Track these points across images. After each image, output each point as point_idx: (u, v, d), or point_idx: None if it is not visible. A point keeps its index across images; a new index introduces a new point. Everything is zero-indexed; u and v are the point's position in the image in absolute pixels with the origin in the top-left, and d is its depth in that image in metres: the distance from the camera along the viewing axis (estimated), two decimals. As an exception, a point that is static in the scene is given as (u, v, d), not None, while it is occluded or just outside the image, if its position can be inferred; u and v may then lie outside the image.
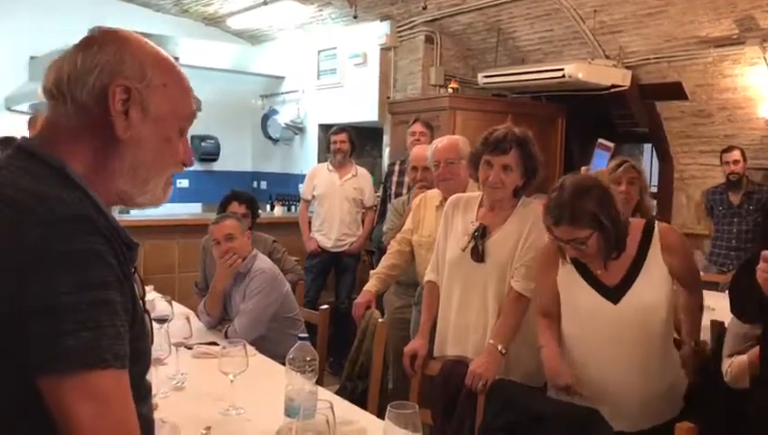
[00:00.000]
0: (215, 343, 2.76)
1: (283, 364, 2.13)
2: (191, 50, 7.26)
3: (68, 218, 0.92)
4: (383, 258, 3.41)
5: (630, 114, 6.03)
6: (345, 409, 2.07)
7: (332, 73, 7.29)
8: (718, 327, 2.98)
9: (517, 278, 2.51)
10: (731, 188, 5.10)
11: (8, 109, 7.00)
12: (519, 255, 2.53)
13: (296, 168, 7.94)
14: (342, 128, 5.45)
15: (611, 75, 5.41)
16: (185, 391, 2.28)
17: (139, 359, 1.02)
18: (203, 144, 8.28)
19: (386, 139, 6.62)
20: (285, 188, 7.74)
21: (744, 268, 2.20)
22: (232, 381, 2.08)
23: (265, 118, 8.24)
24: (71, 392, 0.88)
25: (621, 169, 3.28)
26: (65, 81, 1.03)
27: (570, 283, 2.32)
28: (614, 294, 2.23)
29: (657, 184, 6.44)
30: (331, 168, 5.39)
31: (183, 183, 8.34)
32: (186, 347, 2.54)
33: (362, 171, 5.43)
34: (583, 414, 2.06)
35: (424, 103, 5.98)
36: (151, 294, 3.69)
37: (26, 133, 3.82)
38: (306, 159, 7.75)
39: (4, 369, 0.90)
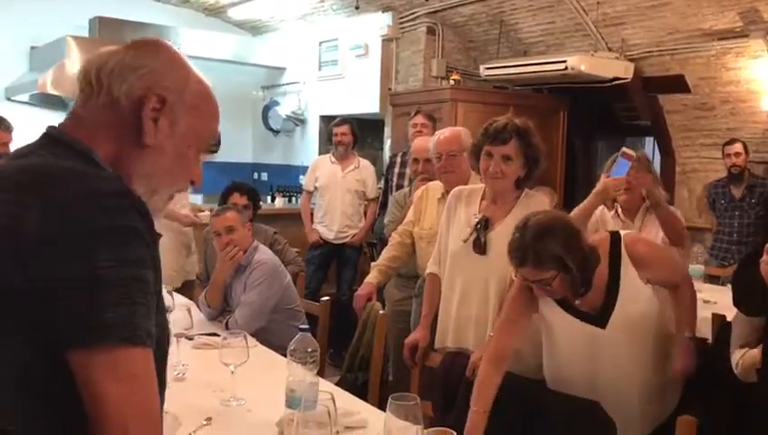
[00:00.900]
0: (215, 334, 2.76)
1: (284, 356, 2.13)
2: (192, 40, 7.24)
3: (111, 193, 0.94)
4: (384, 250, 3.40)
5: (633, 107, 6.02)
6: (346, 400, 2.07)
7: (334, 65, 7.28)
8: (719, 321, 2.98)
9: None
10: (733, 182, 5.09)
11: (8, 99, 6.98)
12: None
13: (297, 159, 7.93)
14: (344, 120, 5.44)
15: (614, 68, 5.39)
16: (185, 382, 2.28)
17: (157, 347, 1.01)
18: (203, 135, 8.27)
19: (387, 131, 6.61)
20: (286, 179, 7.73)
21: (747, 261, 2.19)
22: (233, 372, 2.08)
23: (266, 109, 8.22)
24: (101, 368, 0.88)
25: (611, 160, 3.10)
26: (108, 71, 1.05)
27: (552, 315, 2.26)
28: (599, 319, 2.17)
29: (659, 177, 6.42)
30: (333, 159, 5.38)
31: (183, 174, 8.34)
32: (187, 338, 2.54)
33: (365, 163, 5.42)
34: (585, 407, 2.05)
35: (425, 95, 5.96)
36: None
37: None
38: (307, 150, 7.74)
39: (29, 346, 0.89)
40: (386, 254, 3.34)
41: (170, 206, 4.34)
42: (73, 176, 0.95)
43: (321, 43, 7.43)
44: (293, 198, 6.85)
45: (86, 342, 0.88)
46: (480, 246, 2.56)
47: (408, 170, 4.36)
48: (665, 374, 2.28)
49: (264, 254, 3.20)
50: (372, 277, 3.28)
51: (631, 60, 5.45)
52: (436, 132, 3.40)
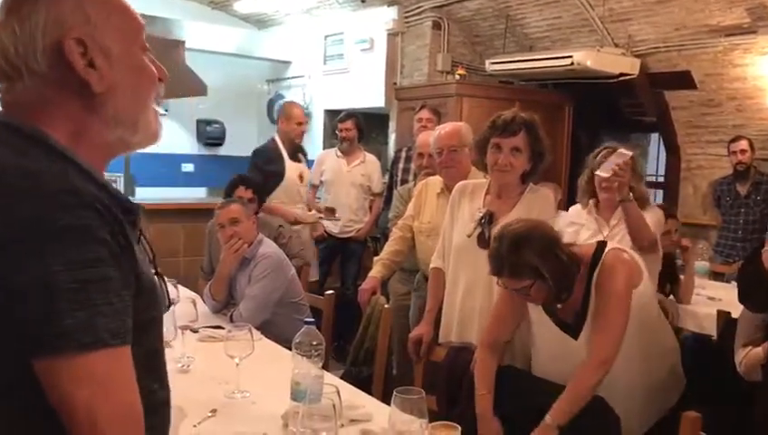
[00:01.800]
0: (220, 327, 2.76)
1: (289, 349, 2.13)
2: (197, 34, 7.23)
3: (54, 193, 0.87)
4: (386, 245, 3.41)
5: (639, 103, 6.00)
6: (350, 393, 2.08)
7: (339, 59, 7.26)
8: (724, 317, 2.98)
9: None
10: (738, 179, 5.08)
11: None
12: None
13: (301, 153, 7.92)
14: (349, 114, 5.43)
15: (620, 63, 5.37)
16: (190, 374, 2.29)
17: (149, 329, 0.98)
18: (208, 128, 8.27)
19: (392, 125, 6.59)
20: (291, 173, 7.72)
21: (752, 258, 2.19)
22: (237, 364, 2.09)
23: (271, 103, 8.21)
24: (66, 374, 0.84)
25: (601, 156, 3.02)
26: (12, 53, 0.94)
27: (535, 316, 2.28)
28: (573, 329, 2.18)
29: (663, 174, 6.41)
30: (339, 154, 5.38)
31: (188, 167, 8.35)
32: (191, 330, 2.55)
33: (371, 158, 5.42)
34: (589, 401, 2.05)
35: (430, 90, 5.94)
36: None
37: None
38: (312, 144, 7.71)
39: (6, 355, 0.86)
40: (388, 248, 3.35)
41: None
42: (16, 176, 0.88)
43: (326, 37, 7.41)
44: (298, 192, 6.84)
45: (46, 350, 0.84)
46: (485, 241, 2.55)
47: (412, 165, 4.36)
48: (650, 376, 2.27)
49: (268, 247, 3.20)
50: (376, 271, 3.29)
51: (638, 56, 5.43)
52: (437, 127, 3.41)
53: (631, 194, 2.88)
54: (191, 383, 2.19)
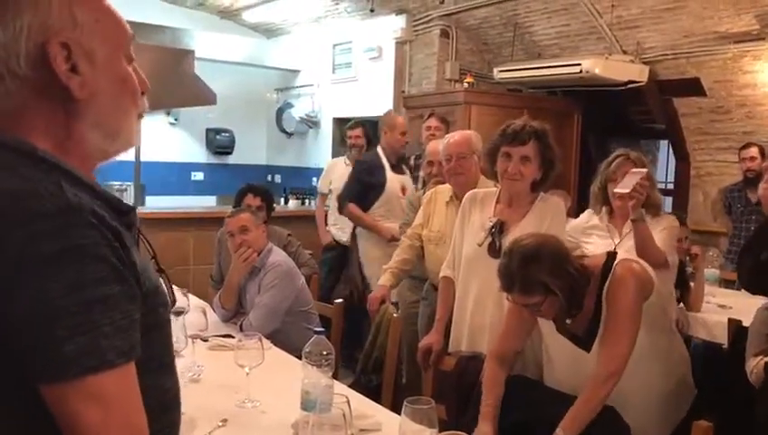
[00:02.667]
0: (230, 336, 2.77)
1: (298, 357, 2.13)
2: (207, 43, 7.29)
3: (48, 215, 0.84)
4: (395, 253, 3.42)
5: (648, 110, 5.99)
6: (360, 402, 2.08)
7: (347, 67, 7.29)
8: (735, 326, 2.96)
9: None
10: (749, 186, 5.05)
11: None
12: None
13: (310, 161, 7.96)
14: (358, 122, 5.44)
15: (629, 71, 5.37)
16: (200, 383, 2.29)
17: (157, 330, 0.98)
18: (218, 137, 8.32)
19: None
20: (299, 181, 7.76)
21: (748, 246, 2.19)
22: (248, 373, 2.09)
23: (280, 111, 8.26)
24: (75, 397, 0.83)
25: (614, 163, 3.03)
26: None
27: (546, 328, 2.28)
28: (585, 342, 2.17)
29: (673, 181, 6.39)
30: (347, 162, 5.39)
31: (198, 176, 8.40)
32: (202, 339, 2.56)
33: (378, 166, 5.41)
34: (601, 411, 2.04)
35: (439, 98, 5.95)
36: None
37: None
38: (320, 152, 7.76)
39: (4, 380, 0.85)
40: (396, 256, 3.36)
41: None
42: (6, 200, 0.84)
43: (334, 46, 7.45)
44: (306, 200, 6.87)
45: (52, 377, 0.83)
46: (495, 250, 2.55)
47: (421, 173, 4.36)
48: (661, 386, 2.26)
49: (278, 256, 3.21)
50: (385, 280, 3.29)
51: (646, 63, 5.43)
52: (447, 135, 3.42)
53: (644, 211, 2.86)
54: (202, 393, 2.19)
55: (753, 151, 4.95)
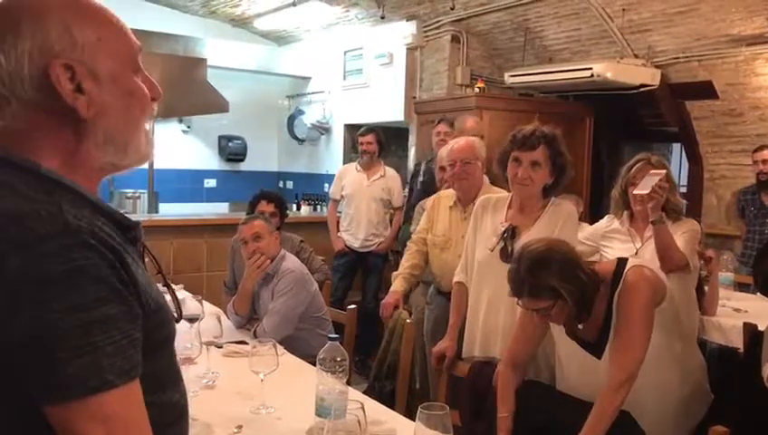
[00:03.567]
0: (244, 343, 2.79)
1: (312, 364, 2.14)
2: (218, 51, 7.35)
3: (47, 238, 0.83)
4: (404, 259, 3.44)
5: (660, 114, 5.96)
6: (374, 409, 2.08)
7: (358, 74, 7.32)
8: (750, 330, 2.94)
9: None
10: (763, 189, 5.02)
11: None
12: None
13: (322, 168, 7.99)
14: (370, 129, 5.46)
15: (640, 74, 5.35)
16: (216, 390, 2.31)
17: (161, 348, 0.98)
18: (230, 144, 8.37)
19: (411, 139, 6.62)
20: (311, 187, 7.78)
21: (765, 251, 2.18)
22: (262, 380, 2.10)
23: (292, 118, 8.29)
24: (78, 418, 0.84)
25: (635, 168, 3.02)
26: (0, 84, 0.92)
27: (558, 334, 2.29)
28: (596, 348, 2.16)
29: (686, 184, 6.36)
30: (359, 168, 5.41)
31: (211, 183, 8.45)
32: (216, 346, 2.57)
33: (391, 172, 5.43)
34: (616, 420, 2.04)
35: (450, 103, 5.96)
36: (181, 293, 3.74)
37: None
38: (332, 159, 7.79)
39: (8, 401, 0.86)
40: (406, 262, 3.37)
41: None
42: (7, 221, 0.85)
43: (345, 53, 7.48)
44: (318, 207, 6.90)
45: (54, 398, 0.83)
46: (507, 255, 2.55)
47: (436, 178, 4.36)
48: (680, 391, 2.25)
49: (291, 262, 3.22)
50: (398, 285, 3.30)
51: (658, 66, 5.41)
52: (451, 141, 3.44)
53: (664, 214, 2.85)
54: (217, 399, 2.21)
55: (766, 154, 4.92)
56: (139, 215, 6.62)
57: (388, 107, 6.85)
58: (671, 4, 4.88)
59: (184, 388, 1.06)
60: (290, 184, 8.60)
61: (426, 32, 6.53)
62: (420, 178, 4.80)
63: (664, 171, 2.83)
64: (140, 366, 0.89)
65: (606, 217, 3.25)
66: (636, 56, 5.45)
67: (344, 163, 6.78)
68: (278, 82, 8.37)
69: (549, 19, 5.70)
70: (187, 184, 8.18)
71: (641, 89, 5.41)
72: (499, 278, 2.58)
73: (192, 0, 7.48)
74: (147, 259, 1.05)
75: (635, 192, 2.85)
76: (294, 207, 6.91)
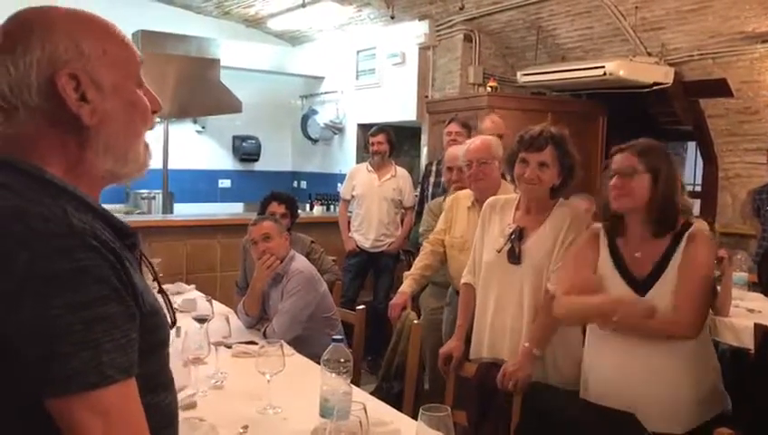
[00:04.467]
0: (253, 343, 2.80)
1: (320, 364, 2.15)
2: (232, 51, 7.39)
3: (52, 237, 0.88)
4: (417, 259, 3.44)
5: (674, 112, 5.92)
6: (380, 409, 2.09)
7: (371, 73, 7.33)
8: (762, 331, 2.91)
9: (554, 281, 2.49)
10: (778, 188, 4.97)
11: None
12: (556, 257, 2.51)
13: (335, 167, 8.01)
14: (381, 129, 5.47)
15: (653, 73, 5.31)
16: (223, 390, 2.33)
17: (155, 351, 1.02)
18: (244, 144, 8.42)
19: (424, 138, 6.62)
20: (325, 187, 7.81)
21: None
22: (269, 380, 2.12)
23: (305, 118, 8.32)
24: (78, 411, 0.87)
25: None
26: (8, 92, 0.97)
27: (606, 270, 2.29)
28: (642, 286, 2.19)
29: (701, 183, 6.31)
30: (370, 168, 5.42)
31: (225, 183, 8.50)
32: (225, 346, 2.59)
33: (402, 172, 5.44)
34: (619, 419, 2.04)
35: (462, 102, 5.96)
36: (192, 293, 3.77)
37: None
38: (345, 158, 7.81)
39: (9, 394, 0.89)
40: (418, 263, 3.37)
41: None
42: (13, 220, 0.89)
43: (358, 52, 7.49)
44: (332, 206, 6.92)
45: (56, 391, 0.86)
46: (515, 256, 2.56)
47: (442, 179, 4.37)
48: (694, 394, 2.24)
49: (300, 263, 3.24)
50: (407, 286, 3.31)
51: (671, 64, 5.36)
52: (467, 141, 3.42)
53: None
54: (224, 399, 2.23)
55: (783, 152, 4.88)
56: (154, 215, 6.69)
57: (401, 106, 6.85)
58: (684, 2, 4.84)
59: (175, 393, 1.09)
60: (303, 184, 8.64)
61: (438, 31, 6.53)
62: (432, 179, 4.81)
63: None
64: (136, 365, 0.92)
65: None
66: (649, 54, 5.41)
67: (357, 162, 6.80)
68: (291, 82, 8.40)
69: (561, 17, 5.67)
70: (201, 184, 8.24)
71: (655, 87, 5.37)
72: (506, 279, 2.60)
73: (206, 1, 7.53)
74: (144, 266, 1.09)
75: None
76: (308, 206, 6.94)
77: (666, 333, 2.12)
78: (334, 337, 2.04)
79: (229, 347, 2.68)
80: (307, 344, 2.90)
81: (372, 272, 5.42)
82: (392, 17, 6.22)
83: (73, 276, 0.87)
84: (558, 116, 5.48)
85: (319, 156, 8.38)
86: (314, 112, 8.23)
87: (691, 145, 7.12)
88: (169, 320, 1.09)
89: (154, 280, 1.10)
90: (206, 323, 2.51)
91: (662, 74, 5.33)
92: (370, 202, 5.31)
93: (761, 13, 4.61)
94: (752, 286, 4.28)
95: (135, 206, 7.11)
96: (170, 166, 6.76)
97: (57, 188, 0.95)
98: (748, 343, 3.16)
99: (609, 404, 2.15)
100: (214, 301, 3.13)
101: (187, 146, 7.77)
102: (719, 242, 3.86)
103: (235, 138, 8.46)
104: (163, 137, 6.56)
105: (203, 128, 8.24)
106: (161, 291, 1.09)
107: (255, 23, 7.99)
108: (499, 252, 2.60)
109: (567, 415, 2.16)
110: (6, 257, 0.86)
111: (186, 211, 7.24)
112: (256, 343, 2.65)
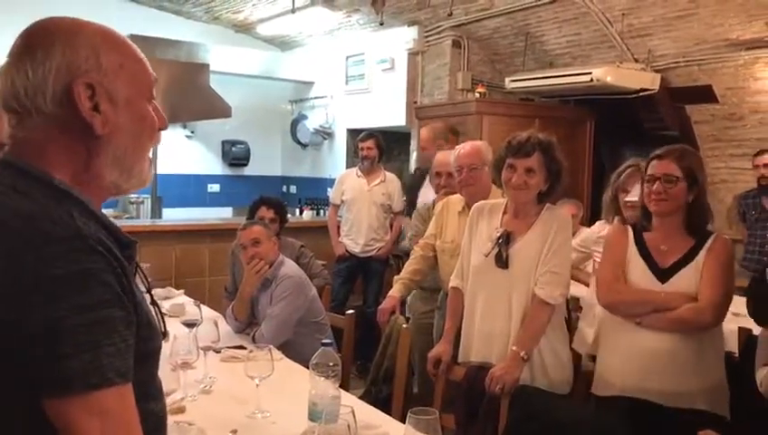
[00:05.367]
0: (242, 347, 2.81)
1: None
2: (222, 56, 7.38)
3: (59, 240, 0.90)
4: (406, 264, 3.45)
5: (660, 118, 5.97)
6: (368, 413, 2.10)
7: (360, 79, 7.35)
8: (745, 335, 2.94)
9: (541, 285, 2.52)
10: (764, 193, 5.02)
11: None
12: (543, 261, 2.54)
13: (325, 172, 8.02)
14: (370, 134, 5.48)
15: (640, 79, 5.37)
16: (212, 395, 2.33)
17: (148, 359, 1.03)
18: (233, 149, 8.40)
19: (413, 144, 6.64)
20: (314, 192, 7.82)
21: (762, 276, 2.20)
22: (257, 384, 2.13)
23: (295, 123, 8.33)
24: (77, 411, 0.89)
25: (625, 174, 3.09)
26: (23, 95, 1.00)
27: (628, 256, 2.46)
28: (663, 274, 2.38)
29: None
30: (359, 173, 5.43)
31: (214, 187, 8.48)
32: (214, 351, 2.59)
33: (391, 177, 5.45)
34: (606, 424, 2.06)
35: (451, 108, 5.99)
36: (181, 298, 3.77)
37: None
38: (335, 163, 7.82)
39: (8, 394, 0.90)
40: (408, 267, 3.38)
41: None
42: (22, 223, 0.91)
43: (347, 58, 7.51)
44: (321, 211, 6.93)
45: (56, 391, 0.88)
46: (502, 261, 2.58)
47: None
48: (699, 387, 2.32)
49: (289, 268, 3.25)
50: (395, 291, 3.32)
51: (658, 71, 5.42)
52: (457, 146, 3.44)
53: None
54: (213, 404, 2.24)
55: (767, 158, 4.93)
56: (143, 220, 6.66)
57: (390, 112, 6.87)
58: (670, 9, 4.89)
59: (164, 401, 1.11)
60: (293, 188, 8.63)
61: (427, 37, 6.56)
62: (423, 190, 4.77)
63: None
64: (132, 371, 0.94)
65: (598, 223, 3.27)
66: (636, 61, 5.47)
67: (347, 167, 6.80)
68: (281, 86, 8.40)
69: (549, 24, 5.72)
70: (190, 189, 8.22)
71: (641, 93, 5.43)
72: (494, 283, 2.61)
73: (195, 6, 7.53)
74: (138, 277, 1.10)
75: (626, 199, 2.88)
76: (297, 211, 6.94)
77: (690, 319, 2.30)
78: (324, 341, 2.05)
79: (218, 352, 2.68)
80: (296, 349, 2.90)
81: (362, 277, 5.43)
82: (381, 23, 6.24)
83: (79, 279, 0.89)
84: (546, 122, 5.52)
85: (308, 161, 8.39)
86: (304, 117, 8.24)
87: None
88: (161, 331, 1.11)
89: (147, 292, 1.11)
90: (194, 328, 2.51)
91: (649, 80, 5.39)
92: (360, 207, 5.33)
93: (745, 20, 4.67)
94: (738, 290, 4.32)
95: (124, 210, 7.07)
96: (159, 170, 6.72)
97: (63, 193, 0.98)
98: (733, 346, 3.19)
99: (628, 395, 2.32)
100: (203, 305, 3.15)
101: (176, 150, 7.74)
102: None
103: (224, 142, 8.45)
104: (152, 141, 6.53)
105: (192, 132, 8.22)
106: (153, 303, 1.11)
107: (245, 28, 7.99)
108: (486, 256, 2.61)
109: (554, 418, 2.18)
110: (14, 258, 0.88)
111: (174, 216, 7.21)
112: (245, 348, 2.66)
